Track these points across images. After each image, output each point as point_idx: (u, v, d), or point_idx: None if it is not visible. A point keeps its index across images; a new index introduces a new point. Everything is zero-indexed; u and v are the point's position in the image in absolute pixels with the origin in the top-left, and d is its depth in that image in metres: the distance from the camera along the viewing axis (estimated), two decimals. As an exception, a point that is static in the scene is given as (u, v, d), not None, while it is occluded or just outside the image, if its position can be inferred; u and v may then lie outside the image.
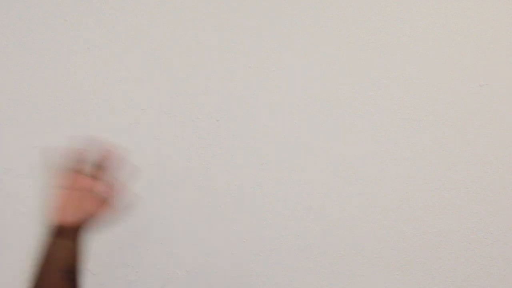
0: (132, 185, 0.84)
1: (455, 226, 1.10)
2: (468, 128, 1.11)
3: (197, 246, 1.05)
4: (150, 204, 1.05)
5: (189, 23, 1.09)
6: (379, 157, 1.10)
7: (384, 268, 1.08)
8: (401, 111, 1.11)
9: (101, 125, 1.05)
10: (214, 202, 1.06)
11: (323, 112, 1.10)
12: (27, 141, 1.02)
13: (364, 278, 1.08)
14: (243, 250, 1.06)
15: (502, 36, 1.13)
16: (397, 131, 1.10)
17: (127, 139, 1.04)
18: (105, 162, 0.79)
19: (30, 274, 0.74)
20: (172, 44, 1.08)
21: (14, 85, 1.03)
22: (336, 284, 1.07)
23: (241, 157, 1.08)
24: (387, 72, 1.11)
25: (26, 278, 0.74)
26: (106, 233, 0.99)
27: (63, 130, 1.03)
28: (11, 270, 1.00)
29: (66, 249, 0.76)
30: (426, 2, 1.13)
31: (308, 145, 1.09)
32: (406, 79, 1.12)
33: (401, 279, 1.09)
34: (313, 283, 1.06)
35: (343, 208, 1.09)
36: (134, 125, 1.05)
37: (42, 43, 1.05)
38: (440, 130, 1.11)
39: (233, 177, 1.07)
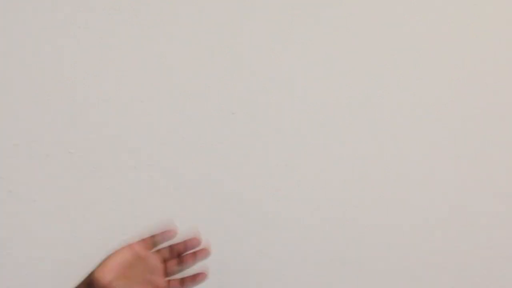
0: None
1: (455, 226, 1.11)
2: (468, 128, 1.14)
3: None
4: (150, 211, 0.98)
5: (190, 21, 1.04)
6: (379, 157, 1.09)
7: (384, 268, 1.08)
8: (401, 111, 1.11)
9: (94, 120, 0.97)
10: (215, 203, 1.02)
11: (323, 112, 1.08)
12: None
13: (366, 279, 1.08)
14: (243, 250, 1.03)
15: (503, 36, 1.18)
16: (397, 131, 1.11)
17: (123, 137, 0.98)
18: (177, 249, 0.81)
19: None
20: (173, 43, 1.02)
21: (14, 85, 0.94)
22: (336, 284, 1.07)
23: (241, 157, 1.04)
24: (387, 72, 1.11)
25: None
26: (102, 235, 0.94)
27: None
28: (11, 270, 0.91)
29: None
30: (427, 2, 1.15)
31: (307, 146, 1.07)
32: (406, 79, 1.12)
33: (401, 279, 1.09)
34: (313, 284, 1.05)
35: (343, 208, 1.08)
36: (131, 121, 0.99)
37: (42, 43, 0.96)
38: (440, 130, 1.12)
39: (233, 177, 1.03)
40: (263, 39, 1.06)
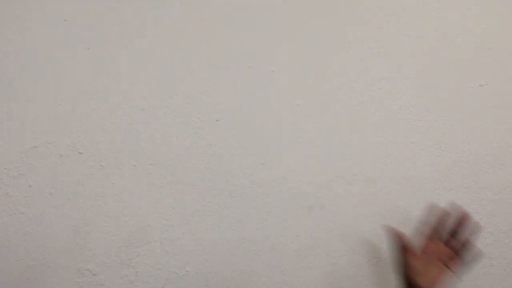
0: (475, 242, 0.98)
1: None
2: (468, 128, 1.11)
3: (197, 246, 1.05)
4: (150, 203, 1.04)
5: (189, 23, 1.09)
6: (379, 157, 1.10)
7: (383, 268, 1.08)
8: (401, 111, 1.11)
9: (101, 125, 1.04)
10: (214, 202, 1.06)
11: (323, 112, 1.10)
12: (27, 141, 1.02)
13: (364, 278, 1.08)
14: (243, 250, 1.06)
15: (502, 36, 1.13)
16: (397, 131, 1.11)
17: (127, 139, 1.05)
18: (460, 229, 0.91)
19: None
20: (172, 44, 1.08)
21: (14, 85, 1.03)
22: (336, 284, 1.06)
23: (241, 157, 1.08)
24: (387, 72, 1.12)
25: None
26: (107, 233, 1.02)
27: (63, 130, 1.03)
28: (11, 270, 1.00)
29: None
30: (426, 2, 1.13)
31: (307, 145, 1.09)
32: (406, 79, 1.12)
33: None
34: (313, 283, 1.06)
35: (343, 208, 1.08)
36: (134, 125, 1.05)
37: (42, 43, 1.05)
38: (440, 130, 1.11)
39: (233, 177, 1.07)
40: (242, 57, 1.10)
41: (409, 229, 1.08)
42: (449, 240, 0.92)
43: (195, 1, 1.09)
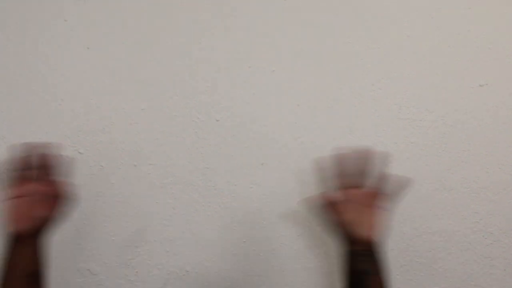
0: (72, 177, 0.94)
1: (455, 226, 1.09)
2: (468, 128, 1.11)
3: (197, 246, 1.05)
4: (150, 203, 1.05)
5: (189, 23, 1.09)
6: None
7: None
8: (401, 111, 1.11)
9: (101, 125, 1.04)
10: (214, 202, 1.06)
11: (323, 112, 1.10)
12: (27, 141, 1.01)
13: None
14: (243, 250, 1.06)
15: (502, 36, 1.13)
16: (397, 131, 1.10)
17: (127, 139, 1.05)
18: (44, 163, 0.86)
19: None
20: (172, 44, 1.08)
21: (14, 85, 1.03)
22: (336, 285, 1.05)
23: (241, 157, 1.08)
24: (387, 72, 1.12)
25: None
26: (107, 233, 1.02)
27: (63, 130, 1.04)
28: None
29: (25, 256, 0.80)
30: (426, 2, 1.13)
31: (307, 145, 1.09)
32: (406, 79, 1.12)
33: (401, 279, 1.08)
34: (313, 283, 1.06)
35: None
36: (134, 125, 1.05)
37: (42, 43, 1.05)
38: (440, 130, 1.11)
39: (233, 177, 1.07)
40: (242, 57, 1.10)
41: (409, 229, 1.09)
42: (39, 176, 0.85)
43: (195, 1, 1.09)
